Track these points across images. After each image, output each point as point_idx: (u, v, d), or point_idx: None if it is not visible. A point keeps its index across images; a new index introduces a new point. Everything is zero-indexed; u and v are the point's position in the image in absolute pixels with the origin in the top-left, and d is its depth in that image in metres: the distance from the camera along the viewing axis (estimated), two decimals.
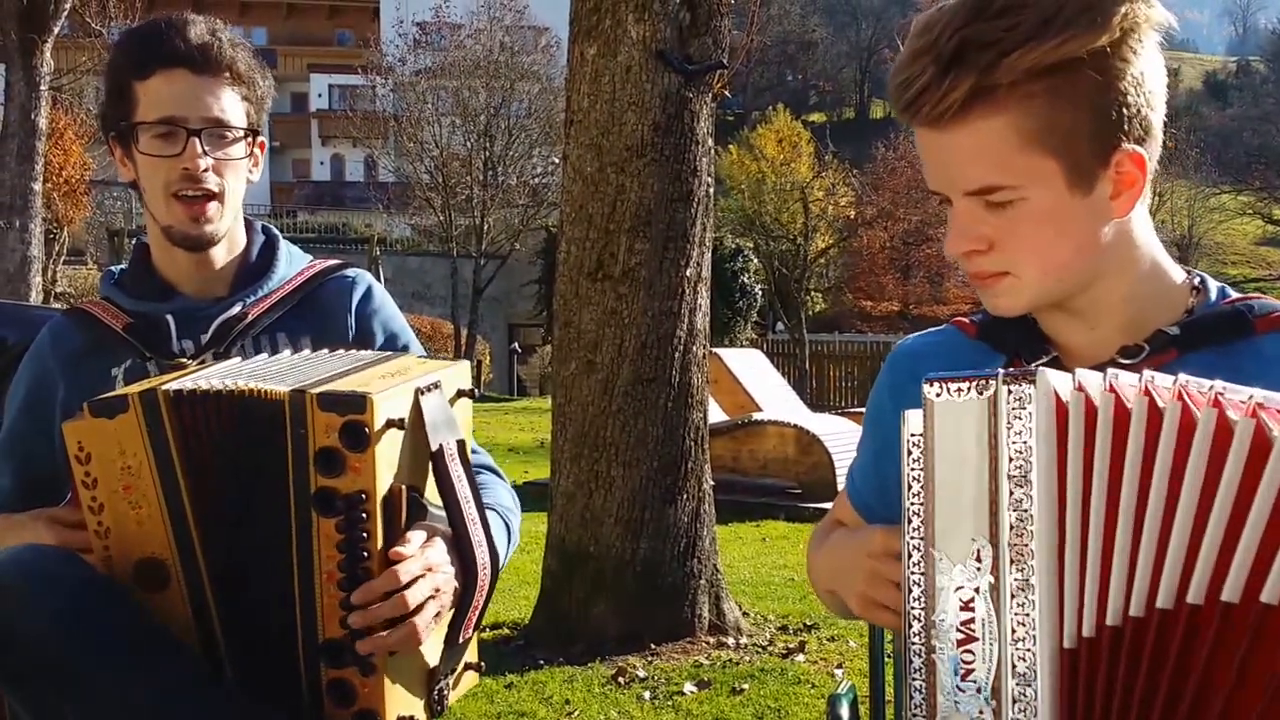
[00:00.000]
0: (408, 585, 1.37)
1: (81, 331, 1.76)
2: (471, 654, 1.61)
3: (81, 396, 1.49)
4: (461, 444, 1.50)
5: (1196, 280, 1.30)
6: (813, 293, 29.89)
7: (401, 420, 1.38)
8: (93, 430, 1.42)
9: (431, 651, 1.50)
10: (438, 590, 1.42)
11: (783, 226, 26.93)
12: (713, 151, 4.68)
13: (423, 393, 1.43)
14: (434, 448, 1.45)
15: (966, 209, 1.20)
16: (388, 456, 1.36)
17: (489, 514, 1.57)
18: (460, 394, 1.53)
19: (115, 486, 1.42)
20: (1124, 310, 1.25)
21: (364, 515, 1.35)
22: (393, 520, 1.38)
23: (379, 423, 1.33)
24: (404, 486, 1.39)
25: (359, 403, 1.33)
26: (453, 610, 1.49)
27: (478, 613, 1.52)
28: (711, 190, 4.66)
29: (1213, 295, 1.29)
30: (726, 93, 4.80)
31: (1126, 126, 1.16)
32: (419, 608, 1.38)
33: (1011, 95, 1.13)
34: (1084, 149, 1.15)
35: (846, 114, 61.07)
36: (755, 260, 24.79)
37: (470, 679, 1.62)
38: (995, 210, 1.18)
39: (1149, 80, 1.17)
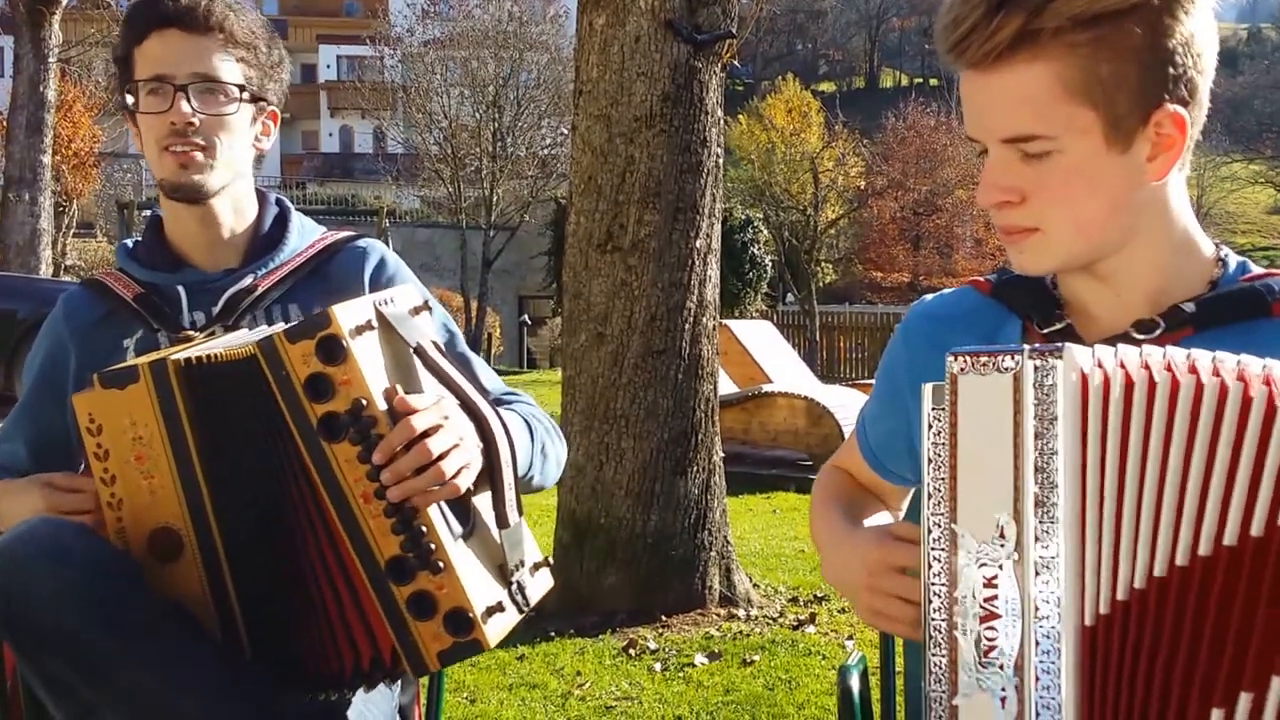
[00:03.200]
0: (428, 432, 1.37)
1: (95, 302, 1.77)
2: (535, 551, 1.61)
3: (93, 367, 1.50)
4: (437, 344, 1.53)
5: (1223, 253, 1.29)
6: (823, 264, 29.81)
7: (369, 322, 1.40)
8: (103, 401, 1.42)
9: (493, 536, 1.51)
10: (461, 439, 1.43)
11: (792, 197, 26.84)
12: (722, 121, 4.65)
13: (381, 304, 1.46)
14: (413, 344, 1.48)
15: (1001, 158, 1.19)
16: (370, 359, 1.38)
17: (509, 413, 1.60)
18: (417, 309, 1.56)
19: (127, 457, 1.43)
20: (1150, 279, 1.24)
21: (373, 420, 1.36)
22: (398, 415, 1.39)
23: (348, 329, 1.36)
24: (396, 386, 1.41)
25: (323, 320, 1.36)
26: (490, 488, 1.50)
27: (513, 492, 1.53)
28: (721, 161, 4.64)
29: (1231, 269, 1.27)
30: (735, 62, 4.77)
31: (1171, 86, 1.14)
32: (444, 454, 1.38)
33: (1057, 42, 1.12)
34: (1125, 104, 1.14)
35: (856, 83, 60.75)
36: (765, 231, 24.72)
37: (545, 577, 1.62)
38: (1030, 161, 1.17)
39: (1198, 43, 1.15)
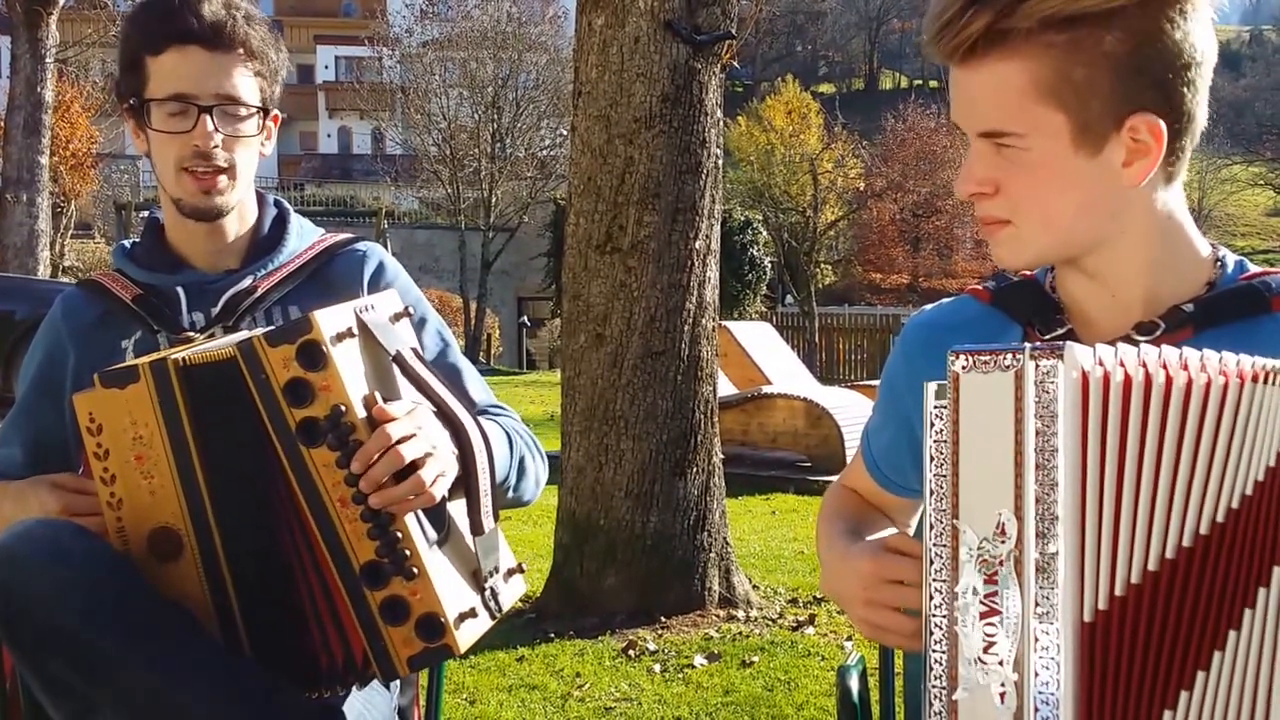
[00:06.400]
0: (403, 440, 1.38)
1: (93, 303, 1.76)
2: (510, 557, 1.63)
3: (92, 368, 1.50)
4: (416, 352, 1.54)
5: (1220, 254, 1.29)
6: (822, 265, 29.84)
7: (350, 329, 1.41)
8: (104, 401, 1.43)
9: (467, 543, 1.52)
10: (435, 448, 1.43)
11: (792, 199, 26.87)
12: (721, 123, 4.66)
13: (361, 310, 1.47)
14: (392, 353, 1.48)
15: (979, 150, 1.21)
16: (350, 366, 1.39)
17: (489, 423, 1.60)
18: (397, 315, 1.56)
19: (127, 457, 1.43)
20: (1143, 280, 1.25)
21: (351, 427, 1.37)
22: (376, 423, 1.40)
23: (329, 335, 1.36)
24: (375, 394, 1.41)
25: (304, 324, 1.36)
26: (465, 495, 1.51)
27: (489, 500, 1.53)
28: (720, 162, 4.64)
29: (1230, 269, 1.28)
30: (735, 63, 4.78)
31: (1149, 94, 1.14)
32: (419, 462, 1.39)
33: (1031, 42, 1.14)
34: (1096, 109, 1.15)
35: (856, 85, 60.73)
36: (764, 233, 24.73)
37: (519, 582, 1.64)
38: (1003, 155, 1.19)
39: (1188, 52, 1.15)
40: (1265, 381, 1.02)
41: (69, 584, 1.31)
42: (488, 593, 1.52)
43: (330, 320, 1.38)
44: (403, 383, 1.50)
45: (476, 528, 1.52)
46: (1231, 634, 1.00)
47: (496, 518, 1.56)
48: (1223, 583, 1.01)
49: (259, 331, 1.44)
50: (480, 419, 1.59)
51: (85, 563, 1.34)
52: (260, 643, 1.45)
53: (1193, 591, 1.01)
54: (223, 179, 1.69)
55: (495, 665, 4.00)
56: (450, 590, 1.43)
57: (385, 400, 1.42)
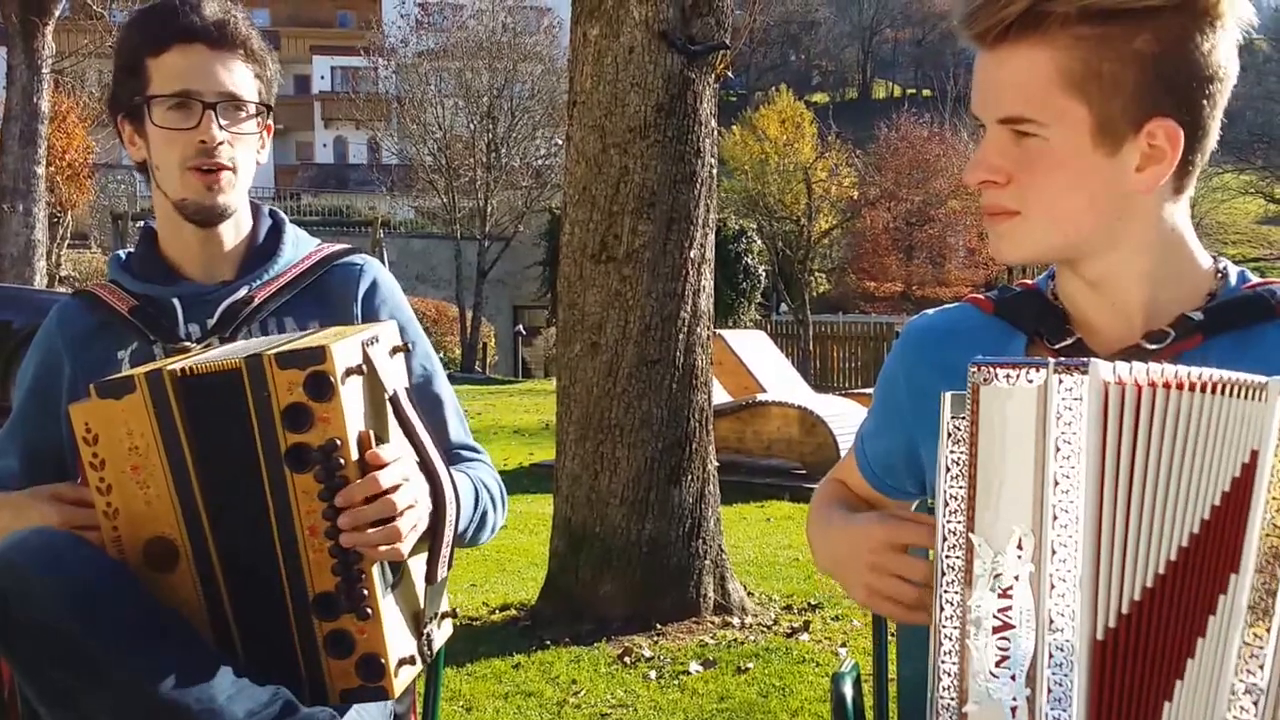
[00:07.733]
0: (389, 490, 1.40)
1: (88, 313, 1.76)
2: (446, 602, 1.65)
3: (88, 378, 1.50)
4: (408, 391, 1.56)
5: (1222, 265, 1.30)
6: (816, 274, 29.86)
7: (359, 367, 1.42)
8: (100, 411, 1.43)
9: (416, 590, 1.54)
10: (415, 501, 1.45)
11: (786, 207, 26.86)
12: (716, 132, 4.67)
13: (368, 344, 1.48)
14: (390, 393, 1.50)
15: (995, 137, 1.21)
16: (352, 403, 1.40)
17: (461, 476, 1.62)
18: (395, 349, 1.58)
19: (123, 467, 1.43)
20: (1143, 289, 1.25)
21: (340, 463, 1.38)
22: (367, 464, 1.42)
23: (340, 370, 1.37)
24: (370, 432, 1.43)
25: (319, 354, 1.37)
26: (427, 544, 1.53)
27: (448, 551, 1.56)
28: (715, 171, 4.66)
29: (1233, 280, 1.29)
30: (729, 73, 4.79)
31: (1171, 101, 1.16)
32: (400, 512, 1.41)
33: (1064, 32, 1.15)
34: (1118, 106, 1.16)
35: (849, 94, 60.78)
36: (759, 241, 24.74)
37: (448, 627, 1.66)
38: (1021, 144, 1.19)
39: (1212, 66, 1.16)
40: (1223, 393, 1.01)
41: (65, 590, 1.32)
42: (424, 638, 1.55)
43: (343, 354, 1.39)
44: (392, 424, 1.52)
45: (432, 577, 1.55)
46: (1199, 640, 1.00)
47: (450, 565, 1.59)
48: (1194, 595, 1.01)
49: (269, 345, 1.45)
50: (454, 468, 1.61)
51: (81, 569, 1.35)
52: (255, 651, 1.45)
53: (1176, 606, 1.01)
54: (226, 175, 1.70)
55: (491, 672, 4.00)
56: (397, 636, 1.46)
57: (377, 441, 1.43)
